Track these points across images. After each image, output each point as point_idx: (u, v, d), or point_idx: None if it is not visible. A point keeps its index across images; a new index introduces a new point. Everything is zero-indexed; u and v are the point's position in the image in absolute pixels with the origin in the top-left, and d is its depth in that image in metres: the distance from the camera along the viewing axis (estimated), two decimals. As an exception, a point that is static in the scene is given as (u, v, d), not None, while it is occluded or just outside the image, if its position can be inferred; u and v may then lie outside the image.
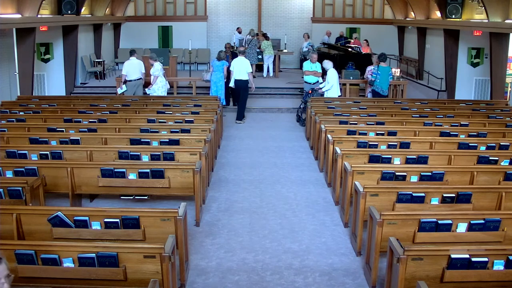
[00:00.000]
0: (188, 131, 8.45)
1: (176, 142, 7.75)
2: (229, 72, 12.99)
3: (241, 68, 12.03)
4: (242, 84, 12.13)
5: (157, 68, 11.80)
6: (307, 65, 12.15)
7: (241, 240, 6.04)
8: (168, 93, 12.86)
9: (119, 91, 11.98)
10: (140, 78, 12.01)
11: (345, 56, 15.15)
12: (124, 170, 6.43)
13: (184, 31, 19.37)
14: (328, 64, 11.51)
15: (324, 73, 12.00)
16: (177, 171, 6.48)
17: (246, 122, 12.55)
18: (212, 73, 12.66)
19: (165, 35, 19.92)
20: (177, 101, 11.16)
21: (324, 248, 5.87)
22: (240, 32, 18.88)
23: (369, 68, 11.76)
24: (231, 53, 14.10)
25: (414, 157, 7.02)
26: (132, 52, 12.23)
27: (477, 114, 10.28)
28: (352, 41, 17.74)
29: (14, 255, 4.19)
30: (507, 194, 5.78)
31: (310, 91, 11.87)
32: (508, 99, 12.75)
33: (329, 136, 7.91)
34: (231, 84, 12.31)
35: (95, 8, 16.02)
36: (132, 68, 11.92)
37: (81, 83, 15.70)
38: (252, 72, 12.50)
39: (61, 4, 13.87)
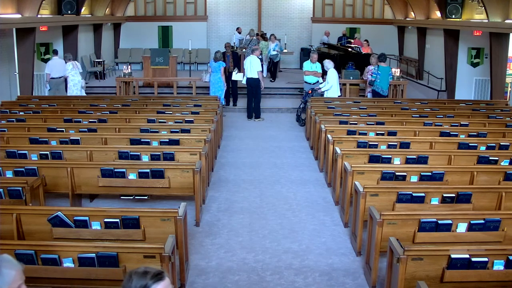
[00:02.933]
0: (188, 131, 8.45)
1: (176, 142, 7.75)
2: (229, 72, 13.01)
3: (252, 67, 12.22)
4: (254, 82, 12.34)
5: (66, 68, 12.45)
6: (307, 65, 12.20)
7: (241, 240, 6.04)
8: (168, 93, 12.90)
9: (46, 89, 12.81)
10: (62, 76, 12.61)
11: (345, 56, 15.16)
12: (124, 170, 6.43)
13: (184, 31, 19.36)
14: (329, 64, 11.52)
15: (324, 73, 12.01)
16: (177, 171, 6.48)
17: (246, 121, 12.55)
18: (211, 74, 12.68)
19: (165, 35, 19.92)
20: (177, 101, 11.16)
21: (324, 248, 5.87)
22: (240, 32, 18.88)
23: (369, 68, 11.76)
24: (231, 52, 14.08)
25: (414, 157, 7.02)
26: (55, 51, 12.91)
27: (477, 114, 10.28)
28: (353, 41, 17.74)
29: (14, 255, 4.19)
30: (507, 194, 5.78)
31: (310, 91, 11.88)
32: (508, 99, 12.76)
33: (329, 136, 7.91)
34: (244, 82, 12.56)
35: (95, 8, 16.02)
36: (55, 67, 12.56)
37: (81, 83, 15.67)
38: (262, 71, 12.65)
39: (61, 4, 13.87)
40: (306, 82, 12.31)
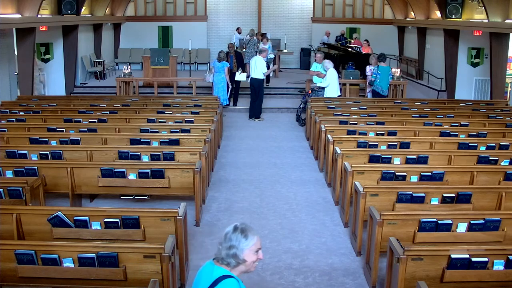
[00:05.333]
0: (188, 131, 8.45)
1: (176, 142, 7.75)
2: (231, 72, 13.01)
3: (257, 68, 12.24)
4: (255, 83, 12.39)
5: None
6: (313, 66, 12.36)
7: (241, 240, 6.03)
8: (168, 93, 12.87)
9: None
10: None
11: (345, 56, 15.16)
12: (124, 170, 6.43)
13: (184, 31, 19.36)
14: (329, 64, 11.53)
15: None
16: (177, 171, 6.48)
17: (246, 122, 12.56)
18: (214, 74, 12.68)
19: (165, 35, 19.92)
20: (177, 101, 11.16)
21: (324, 248, 5.87)
22: (240, 33, 18.87)
23: (369, 68, 11.77)
24: (235, 53, 14.07)
25: (414, 157, 7.02)
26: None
27: (477, 114, 10.28)
28: (353, 41, 17.74)
29: (14, 255, 4.19)
30: (507, 194, 5.79)
31: (309, 91, 11.90)
32: (508, 99, 12.75)
33: (329, 136, 7.91)
34: (248, 80, 12.66)
35: (95, 8, 16.02)
36: None
37: (81, 83, 15.70)
38: (267, 71, 12.68)
39: (61, 4, 13.86)
40: (313, 82, 12.42)
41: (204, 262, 5.45)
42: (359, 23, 20.15)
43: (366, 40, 16.96)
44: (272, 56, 16.01)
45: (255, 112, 12.71)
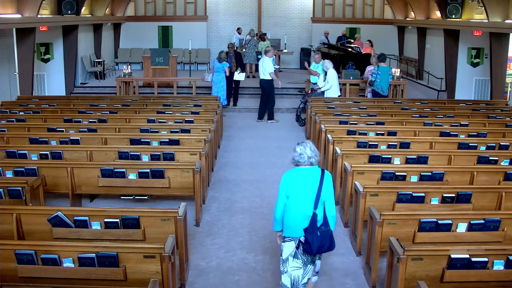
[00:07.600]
0: (188, 131, 8.45)
1: (176, 142, 7.75)
2: (231, 73, 13.01)
3: (264, 69, 12.16)
4: (265, 84, 12.27)
5: None
6: (312, 66, 12.35)
7: (241, 240, 6.04)
8: (168, 93, 12.83)
9: None
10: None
11: (345, 56, 15.16)
12: (124, 170, 6.43)
13: (184, 31, 19.36)
14: (329, 64, 11.53)
15: (325, 73, 12.02)
16: (177, 171, 6.48)
17: (246, 121, 12.55)
18: (213, 74, 12.67)
19: (165, 35, 19.92)
20: (177, 101, 11.16)
21: (324, 248, 5.86)
22: (240, 33, 18.88)
23: (369, 68, 11.77)
24: (234, 53, 14.06)
25: (414, 157, 7.02)
26: None
27: (477, 114, 10.28)
28: (353, 41, 17.72)
29: (14, 255, 4.19)
30: (507, 194, 5.79)
31: (309, 91, 11.89)
32: (508, 99, 12.75)
33: (329, 136, 7.91)
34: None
35: (95, 8, 16.02)
36: None
37: (81, 83, 15.69)
38: (275, 72, 12.39)
39: (61, 4, 13.86)
40: (311, 81, 12.39)
41: (204, 261, 5.49)
42: (359, 23, 20.14)
43: (369, 41, 16.85)
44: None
45: (268, 113, 12.61)
